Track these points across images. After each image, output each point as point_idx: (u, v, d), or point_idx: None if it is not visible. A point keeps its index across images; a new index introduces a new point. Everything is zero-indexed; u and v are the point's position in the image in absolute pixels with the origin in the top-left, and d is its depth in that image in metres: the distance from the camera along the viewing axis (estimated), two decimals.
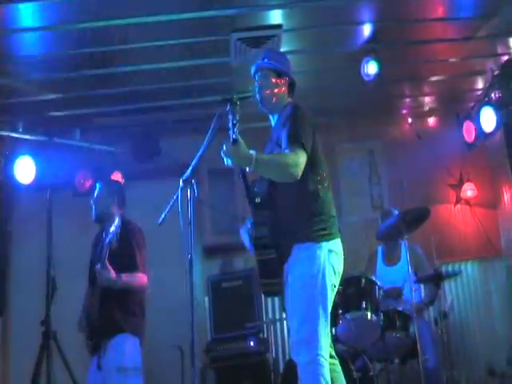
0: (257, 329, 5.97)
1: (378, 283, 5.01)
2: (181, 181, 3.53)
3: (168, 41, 5.25)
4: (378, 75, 5.47)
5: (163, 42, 5.26)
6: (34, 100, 6.01)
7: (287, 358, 5.81)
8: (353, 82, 5.87)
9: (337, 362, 3.58)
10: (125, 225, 4.75)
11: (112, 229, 4.51)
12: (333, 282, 3.45)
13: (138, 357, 4.63)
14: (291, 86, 3.82)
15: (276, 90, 3.71)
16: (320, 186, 3.54)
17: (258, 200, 3.57)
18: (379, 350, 4.96)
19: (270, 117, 3.80)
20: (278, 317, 6.61)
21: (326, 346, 3.33)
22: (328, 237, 3.47)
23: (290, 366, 5.22)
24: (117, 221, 4.59)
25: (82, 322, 4.85)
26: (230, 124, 3.19)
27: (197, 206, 6.32)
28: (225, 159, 3.25)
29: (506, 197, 6.87)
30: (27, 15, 4.64)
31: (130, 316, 4.66)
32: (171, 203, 3.60)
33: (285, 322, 6.53)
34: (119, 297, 4.60)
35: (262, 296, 6.41)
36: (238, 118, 3.21)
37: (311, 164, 3.47)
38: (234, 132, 3.17)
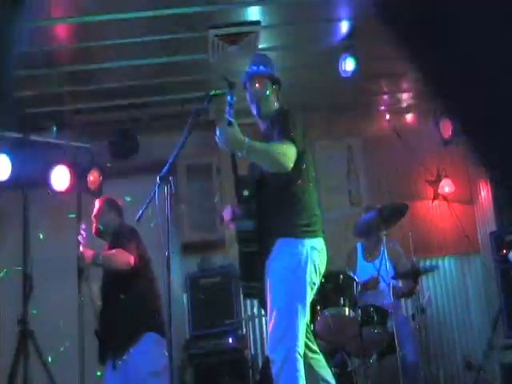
0: (235, 325, 5.96)
1: (356, 279, 5.02)
2: (158, 177, 3.52)
3: (145, 37, 5.23)
4: (356, 72, 5.49)
5: (140, 38, 5.23)
6: (10, 97, 5.95)
7: (266, 354, 5.80)
8: (331, 79, 5.88)
9: (320, 356, 3.60)
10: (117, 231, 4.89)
11: None
12: (313, 279, 3.46)
13: (166, 356, 4.63)
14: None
15: (271, 98, 3.73)
16: (307, 185, 3.58)
17: (246, 193, 3.57)
18: (357, 345, 4.97)
19: (260, 121, 3.78)
20: (256, 313, 6.62)
21: (301, 342, 3.33)
22: (311, 234, 3.49)
23: (269, 363, 5.24)
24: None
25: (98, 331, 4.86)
26: (227, 106, 3.20)
27: (175, 202, 6.32)
28: (218, 141, 3.27)
29: (483, 193, 6.92)
30: None
31: (147, 313, 4.69)
32: (149, 200, 3.58)
33: (263, 318, 6.55)
34: (129, 292, 4.61)
35: (241, 292, 6.41)
36: (235, 99, 3.22)
37: (300, 162, 3.50)
38: (229, 114, 3.19)
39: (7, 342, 5.26)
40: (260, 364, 6.03)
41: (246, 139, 3.24)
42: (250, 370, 5.63)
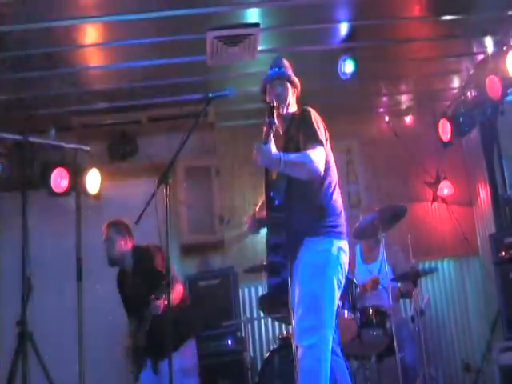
0: (234, 327, 5.95)
1: (355, 281, 5.02)
2: (157, 179, 3.52)
3: (144, 39, 5.23)
4: (355, 74, 5.49)
5: (139, 40, 5.23)
6: (9, 99, 5.96)
7: (264, 356, 5.81)
8: (330, 81, 5.88)
9: (341, 360, 3.62)
10: (138, 254, 4.98)
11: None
12: (340, 279, 3.52)
13: (195, 356, 5.02)
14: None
15: (292, 100, 3.83)
16: (334, 189, 3.65)
17: (277, 202, 3.60)
18: (356, 347, 4.97)
19: (280, 123, 3.80)
20: (255, 315, 6.62)
21: (329, 337, 3.37)
22: (339, 235, 3.57)
23: (268, 364, 5.23)
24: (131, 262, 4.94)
25: (129, 352, 5.02)
26: (267, 127, 3.30)
27: (174, 204, 6.31)
28: (255, 159, 3.36)
29: (482, 195, 6.92)
30: None
31: (189, 323, 4.93)
32: (148, 202, 3.58)
33: (262, 320, 6.55)
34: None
35: (240, 295, 6.42)
36: (275, 121, 3.34)
37: (327, 167, 3.59)
38: (269, 134, 3.29)
39: (6, 343, 5.25)
40: (259, 366, 6.02)
41: (282, 155, 3.33)
42: (249, 372, 5.62)
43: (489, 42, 5.79)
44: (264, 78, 3.86)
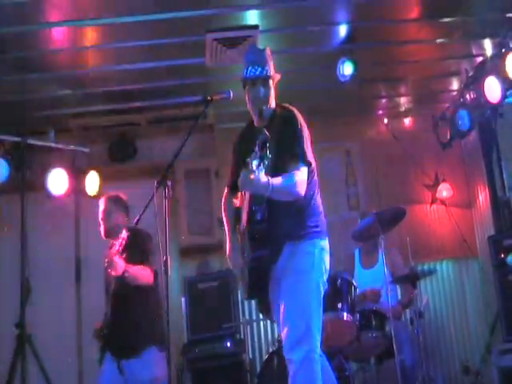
0: (233, 329, 5.94)
1: (354, 283, 5.01)
2: (156, 181, 3.51)
3: (144, 41, 5.23)
4: (354, 76, 5.49)
5: (139, 42, 5.23)
6: (8, 101, 5.96)
7: (263, 358, 5.80)
8: (329, 83, 5.88)
9: (323, 358, 3.60)
10: (134, 233, 4.75)
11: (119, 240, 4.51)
12: (324, 281, 3.51)
13: (165, 366, 4.39)
14: None
15: (273, 98, 3.70)
16: (314, 190, 3.64)
17: (259, 216, 3.54)
18: (355, 349, 4.96)
19: (256, 119, 3.68)
20: (254, 317, 6.61)
21: (318, 342, 3.35)
22: (320, 234, 3.55)
23: (268, 366, 5.22)
24: (123, 233, 4.48)
25: (102, 331, 4.79)
26: (256, 156, 3.12)
27: (173, 206, 6.30)
28: (241, 187, 3.30)
29: (481, 197, 6.92)
30: None
31: (155, 326, 4.63)
32: (147, 204, 3.57)
33: (261, 322, 6.53)
34: (142, 302, 4.60)
35: (239, 297, 6.40)
36: (266, 152, 3.11)
37: (311, 172, 3.57)
38: (259, 165, 3.13)
39: (5, 344, 5.25)
40: (258, 368, 6.02)
41: (269, 184, 3.23)
42: (248, 374, 5.62)
43: (488, 44, 5.80)
44: (244, 75, 3.63)
